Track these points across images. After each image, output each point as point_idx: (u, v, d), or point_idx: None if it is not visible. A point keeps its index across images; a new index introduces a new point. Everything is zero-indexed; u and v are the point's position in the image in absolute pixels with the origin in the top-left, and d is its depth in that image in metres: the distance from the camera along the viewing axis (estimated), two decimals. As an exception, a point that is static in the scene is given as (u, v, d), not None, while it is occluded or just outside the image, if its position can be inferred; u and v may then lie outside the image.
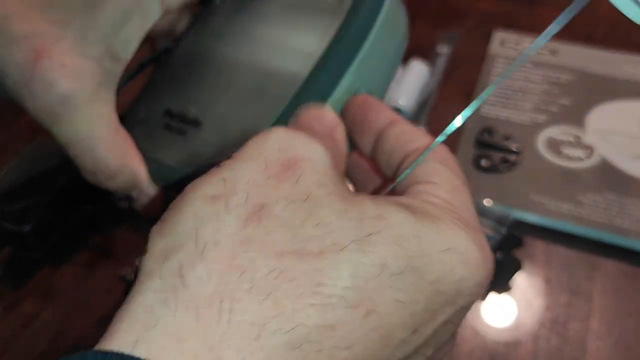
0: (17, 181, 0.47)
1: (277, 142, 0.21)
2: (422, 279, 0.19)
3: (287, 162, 0.20)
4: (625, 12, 0.22)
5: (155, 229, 0.20)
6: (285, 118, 0.25)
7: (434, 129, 0.56)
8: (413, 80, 0.58)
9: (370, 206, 0.20)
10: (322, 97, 0.25)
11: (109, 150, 0.31)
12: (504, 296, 0.45)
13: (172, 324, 0.17)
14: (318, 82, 0.25)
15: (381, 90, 0.28)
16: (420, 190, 0.23)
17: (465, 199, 0.24)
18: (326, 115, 0.25)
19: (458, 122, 0.23)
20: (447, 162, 0.25)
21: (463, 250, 0.21)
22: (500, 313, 0.45)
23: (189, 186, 0.21)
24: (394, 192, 0.25)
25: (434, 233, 0.20)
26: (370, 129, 0.28)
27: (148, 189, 0.33)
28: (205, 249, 0.18)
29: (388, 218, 0.20)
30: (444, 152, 0.26)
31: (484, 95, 0.22)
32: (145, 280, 0.19)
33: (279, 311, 0.17)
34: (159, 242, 0.19)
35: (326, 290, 0.18)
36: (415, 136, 0.27)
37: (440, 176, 0.24)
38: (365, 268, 0.18)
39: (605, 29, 0.68)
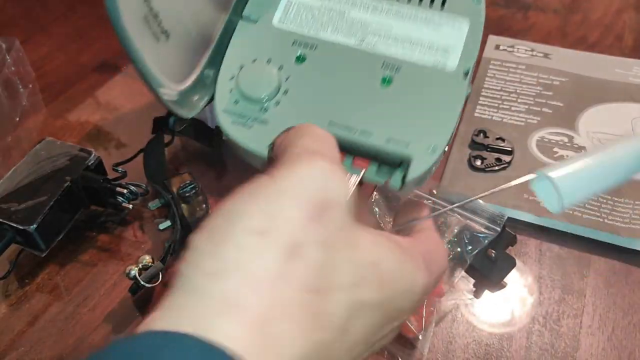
0: (23, 181, 0.48)
1: (318, 180, 0.24)
2: (387, 311, 0.25)
3: (322, 205, 0.24)
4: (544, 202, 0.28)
5: (198, 241, 0.23)
6: None
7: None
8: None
9: (369, 252, 0.25)
10: None
11: None
12: (498, 293, 0.46)
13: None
14: None
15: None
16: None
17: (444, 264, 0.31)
18: None
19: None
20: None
21: (418, 291, 0.27)
22: (495, 309, 0.46)
23: (233, 207, 0.23)
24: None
25: (405, 278, 0.26)
26: None
27: None
28: (249, 281, 0.21)
29: (379, 264, 0.25)
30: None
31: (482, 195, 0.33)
32: (188, 294, 0.21)
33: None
34: (203, 260, 0.22)
35: (324, 319, 0.23)
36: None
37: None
38: (353, 304, 0.23)
39: (597, 33, 0.69)
